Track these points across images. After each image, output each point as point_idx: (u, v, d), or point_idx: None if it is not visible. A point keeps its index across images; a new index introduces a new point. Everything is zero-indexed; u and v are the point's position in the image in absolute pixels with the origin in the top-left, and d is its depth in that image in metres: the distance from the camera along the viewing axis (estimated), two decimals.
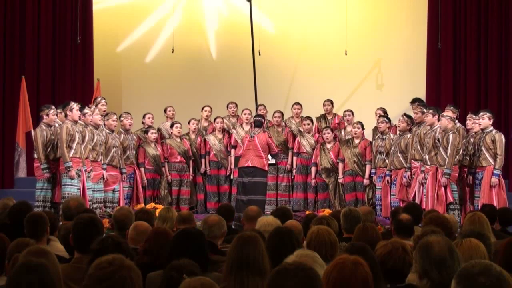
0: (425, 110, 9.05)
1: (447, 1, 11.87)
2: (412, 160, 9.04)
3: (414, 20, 12.76)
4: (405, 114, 9.67)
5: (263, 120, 10.15)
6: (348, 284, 2.54)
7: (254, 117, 10.15)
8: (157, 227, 4.39)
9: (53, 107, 9.28)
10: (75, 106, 8.86)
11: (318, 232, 4.02)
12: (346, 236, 5.14)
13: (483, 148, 8.69)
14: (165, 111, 10.91)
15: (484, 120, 8.81)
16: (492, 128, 8.83)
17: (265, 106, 11.04)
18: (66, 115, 8.91)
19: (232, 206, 7.24)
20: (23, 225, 4.71)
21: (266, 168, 9.81)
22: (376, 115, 10.30)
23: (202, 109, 10.98)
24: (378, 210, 9.47)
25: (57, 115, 9.18)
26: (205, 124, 10.96)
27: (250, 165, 9.52)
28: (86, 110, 9.11)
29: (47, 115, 9.07)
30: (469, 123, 9.23)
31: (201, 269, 3.28)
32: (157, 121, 10.81)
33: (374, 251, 3.44)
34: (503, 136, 8.81)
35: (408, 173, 9.09)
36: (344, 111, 10.82)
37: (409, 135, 9.30)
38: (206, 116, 10.95)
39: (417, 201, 8.51)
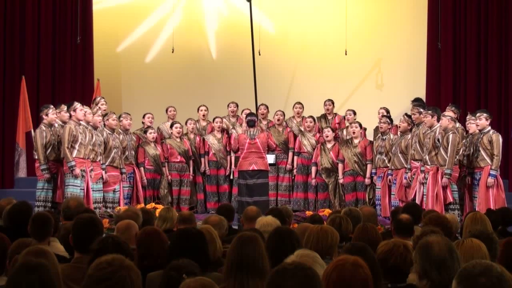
0: (421, 110, 9.04)
1: (447, 1, 11.86)
2: (412, 160, 9.03)
3: (414, 20, 12.75)
4: (406, 114, 9.65)
5: (256, 119, 10.08)
6: (348, 285, 2.53)
7: (247, 116, 9.91)
8: (144, 227, 4.31)
9: (52, 106, 9.28)
10: (79, 106, 8.86)
11: (318, 232, 4.02)
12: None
13: (480, 149, 8.69)
14: (166, 111, 10.92)
15: (481, 120, 8.80)
16: (489, 128, 8.82)
17: (266, 106, 11.02)
18: (70, 116, 8.91)
19: (232, 206, 7.21)
20: (23, 225, 4.70)
21: (269, 168, 9.77)
22: (379, 114, 10.29)
23: (198, 109, 10.98)
24: (378, 210, 9.46)
25: (56, 114, 9.18)
26: (204, 123, 10.96)
27: (256, 168, 9.42)
28: (87, 109, 9.10)
29: (47, 115, 9.07)
30: (467, 124, 9.22)
31: (201, 269, 3.27)
32: (157, 121, 10.81)
33: (376, 250, 3.44)
34: (500, 137, 8.80)
35: (409, 174, 9.08)
36: (346, 110, 10.80)
37: (409, 136, 9.29)
38: (203, 115, 10.95)
39: (417, 201, 8.50)
